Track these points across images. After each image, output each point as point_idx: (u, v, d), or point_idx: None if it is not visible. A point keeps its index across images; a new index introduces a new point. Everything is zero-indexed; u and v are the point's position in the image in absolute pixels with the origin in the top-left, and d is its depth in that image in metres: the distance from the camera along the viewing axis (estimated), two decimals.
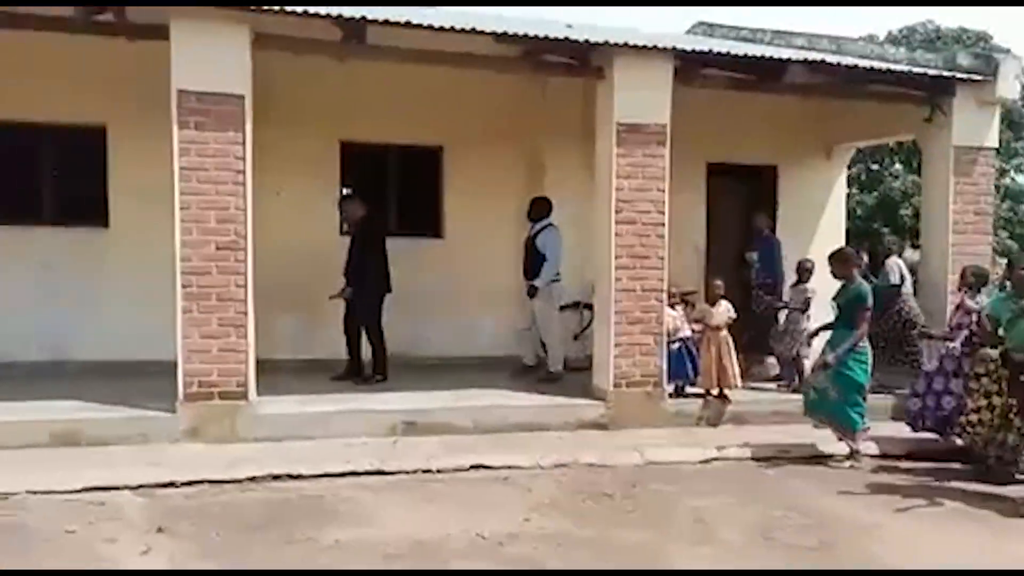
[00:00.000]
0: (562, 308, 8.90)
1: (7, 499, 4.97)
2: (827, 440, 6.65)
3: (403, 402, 6.86)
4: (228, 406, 6.26)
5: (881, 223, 19.79)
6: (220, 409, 6.24)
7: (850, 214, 14.22)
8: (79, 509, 4.90)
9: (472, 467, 5.87)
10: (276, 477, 5.51)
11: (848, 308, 6.50)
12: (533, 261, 8.10)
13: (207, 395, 6.22)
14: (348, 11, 6.38)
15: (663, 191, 7.26)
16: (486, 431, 6.67)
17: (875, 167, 21.47)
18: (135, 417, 6.21)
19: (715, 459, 6.38)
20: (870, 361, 6.52)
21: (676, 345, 7.48)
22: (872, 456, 6.60)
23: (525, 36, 6.90)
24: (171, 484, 5.30)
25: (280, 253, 7.64)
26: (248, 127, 6.29)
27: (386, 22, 6.39)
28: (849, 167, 11.43)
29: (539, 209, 8.26)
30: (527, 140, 9.10)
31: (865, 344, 6.51)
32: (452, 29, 6.51)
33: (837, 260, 6.61)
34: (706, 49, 7.46)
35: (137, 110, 7.51)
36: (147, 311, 7.51)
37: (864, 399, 6.51)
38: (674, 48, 7.15)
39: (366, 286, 7.72)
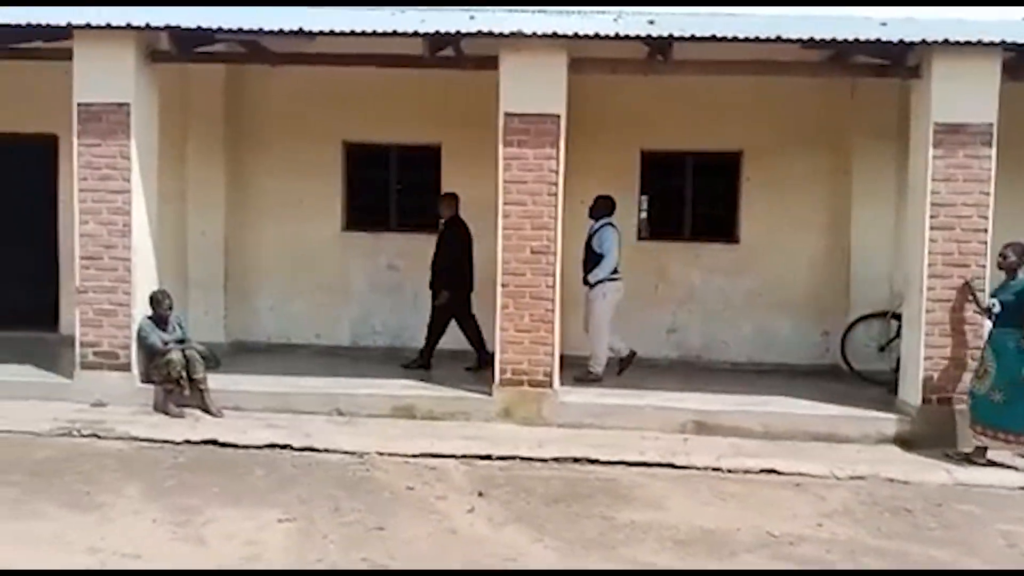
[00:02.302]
0: (867, 317, 8.54)
1: (362, 457, 6.03)
2: None
3: (694, 402, 7.08)
4: (536, 393, 6.95)
5: None
6: (529, 395, 6.95)
7: None
8: (415, 470, 5.81)
9: (762, 470, 5.95)
10: (576, 460, 6.06)
11: (1016, 304, 6.16)
12: (589, 259, 7.96)
13: (518, 382, 6.97)
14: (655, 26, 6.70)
15: (987, 194, 6.73)
16: (776, 437, 6.67)
17: None
18: (459, 397, 7.14)
19: None
20: None
21: None
22: None
23: (833, 40, 6.79)
24: (488, 457, 6.07)
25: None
26: (561, 143, 6.90)
27: (692, 37, 6.62)
28: None
29: (599, 208, 8.10)
30: (832, 143, 8.83)
31: None
32: (757, 39, 6.58)
33: (1000, 254, 6.37)
34: None
35: (463, 130, 8.55)
36: None
37: None
38: (1003, 42, 6.61)
39: (455, 282, 8.25)
